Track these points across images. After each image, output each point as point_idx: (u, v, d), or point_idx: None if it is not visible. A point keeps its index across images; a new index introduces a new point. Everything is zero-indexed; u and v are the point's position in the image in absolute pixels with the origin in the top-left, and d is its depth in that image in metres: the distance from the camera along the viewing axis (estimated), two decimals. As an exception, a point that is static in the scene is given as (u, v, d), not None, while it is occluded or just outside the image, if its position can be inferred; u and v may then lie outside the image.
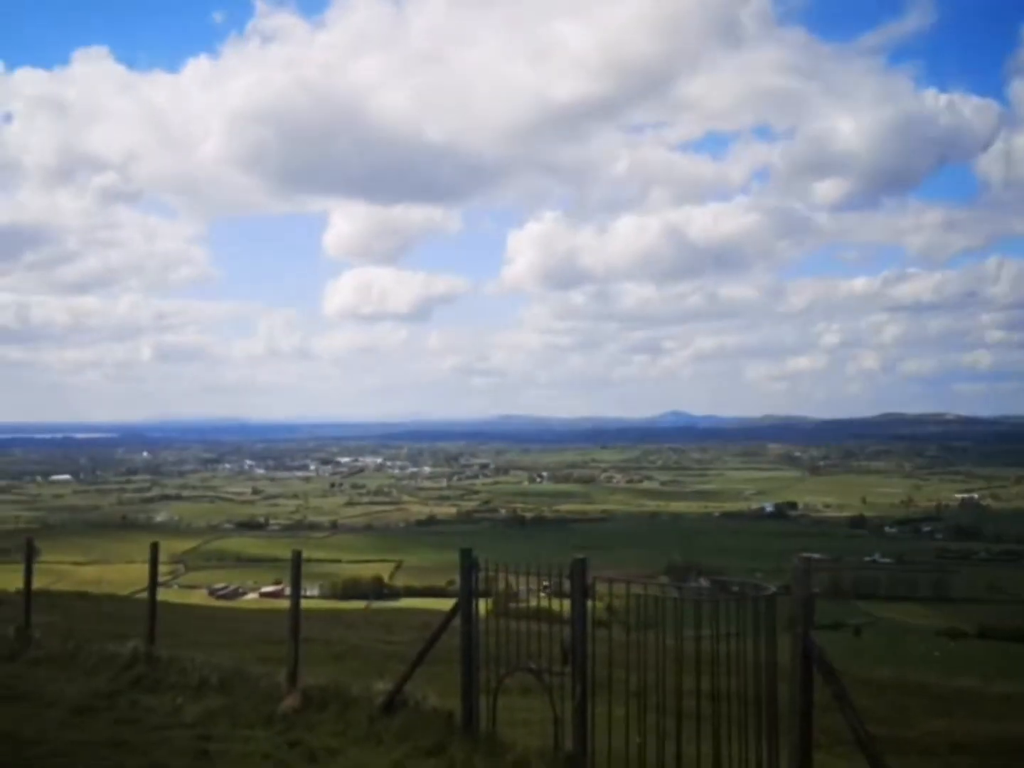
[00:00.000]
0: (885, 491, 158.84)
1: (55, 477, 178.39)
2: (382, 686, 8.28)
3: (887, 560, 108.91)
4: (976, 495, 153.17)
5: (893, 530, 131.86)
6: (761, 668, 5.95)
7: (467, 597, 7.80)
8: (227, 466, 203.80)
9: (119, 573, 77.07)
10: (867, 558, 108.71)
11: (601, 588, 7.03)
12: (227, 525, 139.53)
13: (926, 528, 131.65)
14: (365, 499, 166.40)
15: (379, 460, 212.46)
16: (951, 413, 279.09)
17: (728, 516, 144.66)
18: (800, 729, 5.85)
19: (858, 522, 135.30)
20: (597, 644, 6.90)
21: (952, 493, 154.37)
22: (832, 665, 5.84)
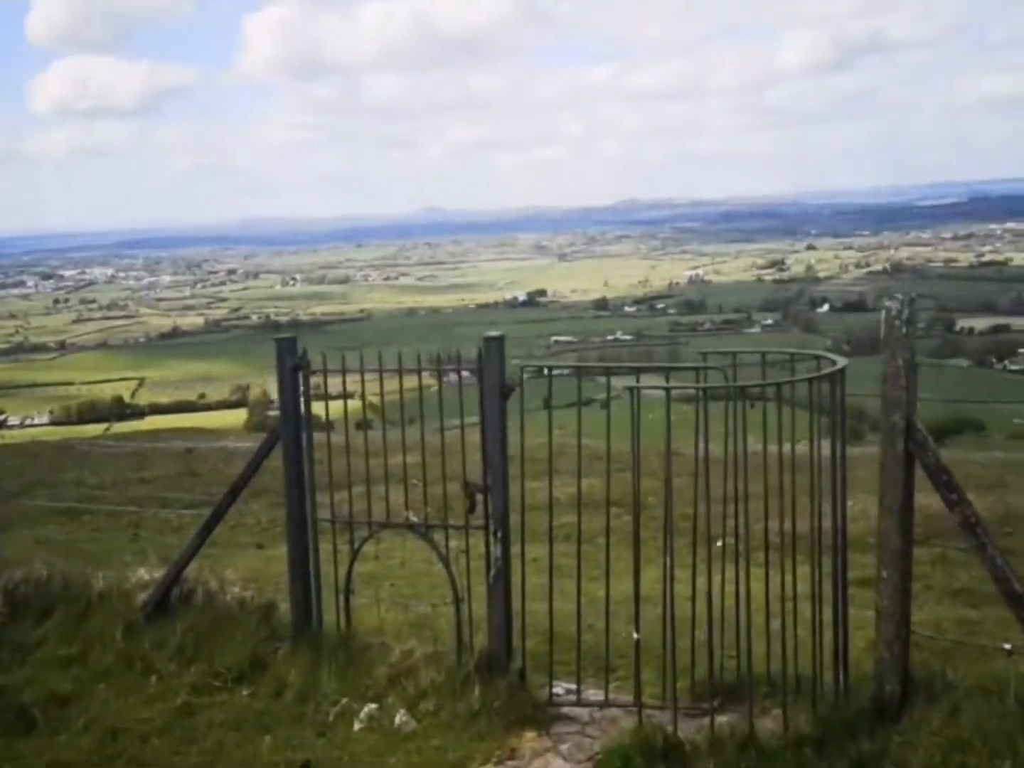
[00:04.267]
0: (625, 273, 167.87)
1: None
2: (146, 574, 5.35)
3: (628, 336, 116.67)
4: (701, 271, 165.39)
5: (632, 309, 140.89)
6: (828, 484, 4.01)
7: (293, 416, 4.91)
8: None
9: None
10: (610, 336, 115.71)
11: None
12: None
13: (660, 305, 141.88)
14: (97, 315, 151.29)
15: (110, 272, 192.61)
16: (682, 197, 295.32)
17: (483, 307, 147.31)
18: (900, 574, 3.79)
19: (601, 304, 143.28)
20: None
21: (682, 271, 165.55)
22: (952, 473, 3.70)
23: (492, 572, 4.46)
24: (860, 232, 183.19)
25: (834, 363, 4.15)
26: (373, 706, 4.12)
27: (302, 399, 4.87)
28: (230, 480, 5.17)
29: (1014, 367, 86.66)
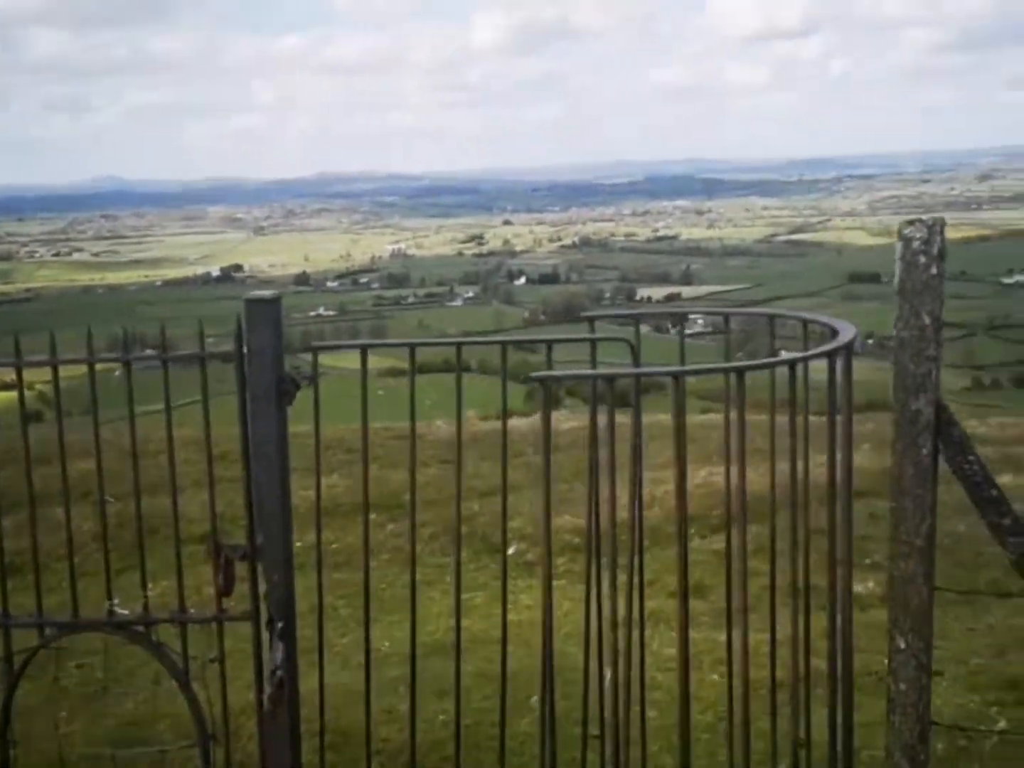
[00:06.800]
0: (326, 247, 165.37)
1: None
2: None
3: (331, 312, 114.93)
4: (403, 245, 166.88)
5: (335, 284, 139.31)
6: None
7: None
8: None
9: None
10: (312, 312, 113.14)
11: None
12: None
13: (363, 279, 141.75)
14: None
15: None
16: (382, 170, 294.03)
17: (172, 283, 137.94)
18: (924, 644, 2.65)
19: (302, 279, 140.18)
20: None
21: (384, 245, 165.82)
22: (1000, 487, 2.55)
23: (268, 691, 2.70)
24: (551, 208, 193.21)
25: (830, 331, 2.86)
26: None
27: None
28: None
29: (687, 332, 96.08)
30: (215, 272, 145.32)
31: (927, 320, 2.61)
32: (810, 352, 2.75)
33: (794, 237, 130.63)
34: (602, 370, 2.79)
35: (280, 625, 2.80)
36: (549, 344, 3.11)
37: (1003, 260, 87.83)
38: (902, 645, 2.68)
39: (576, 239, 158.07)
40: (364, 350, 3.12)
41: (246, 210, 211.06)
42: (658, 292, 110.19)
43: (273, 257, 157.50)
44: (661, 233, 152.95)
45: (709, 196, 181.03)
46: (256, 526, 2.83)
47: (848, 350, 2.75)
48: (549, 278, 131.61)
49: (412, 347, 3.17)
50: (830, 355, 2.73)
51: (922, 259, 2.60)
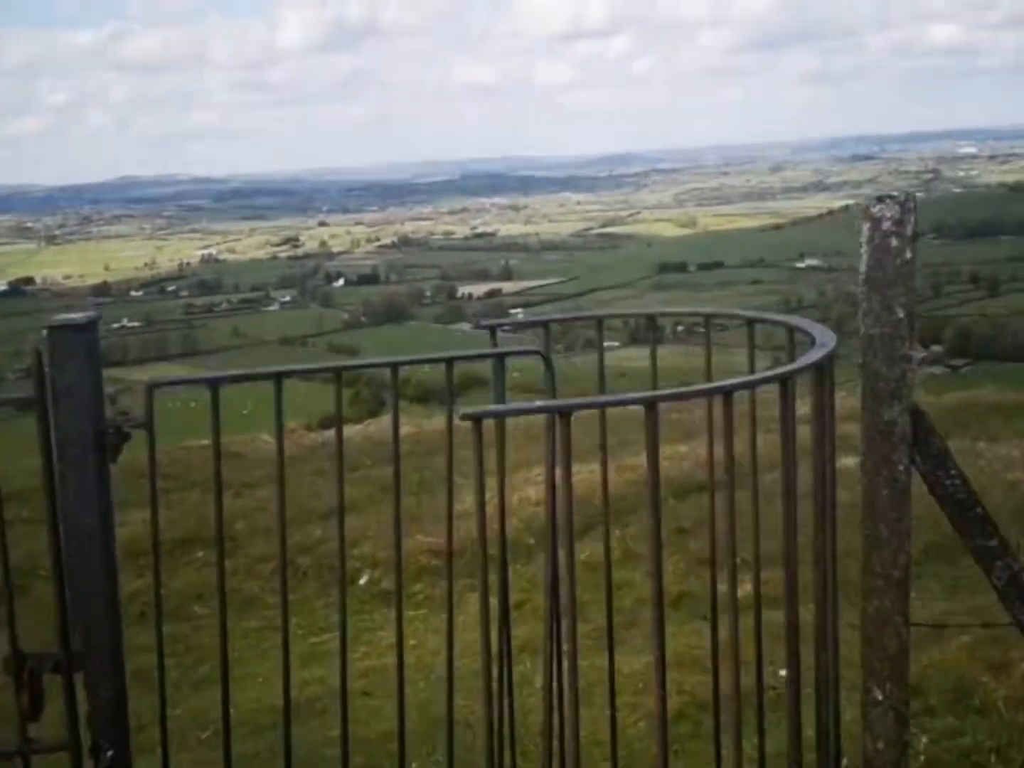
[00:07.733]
0: (128, 255, 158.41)
1: None
2: None
3: (136, 323, 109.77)
4: (215, 250, 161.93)
5: (139, 293, 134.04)
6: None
7: None
8: None
9: None
10: (115, 324, 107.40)
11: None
12: None
13: (171, 288, 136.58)
14: None
15: None
16: (185, 173, 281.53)
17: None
18: (901, 693, 2.30)
19: (103, 289, 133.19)
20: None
21: (193, 251, 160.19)
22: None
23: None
24: (368, 208, 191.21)
25: (804, 335, 2.56)
26: None
27: None
28: None
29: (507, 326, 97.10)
30: (3, 286, 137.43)
31: (901, 314, 2.31)
32: (799, 364, 2.38)
33: (606, 230, 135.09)
34: (558, 401, 2.44)
35: (109, 754, 2.31)
36: (449, 362, 2.83)
37: (795, 246, 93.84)
38: (879, 696, 2.33)
39: (395, 239, 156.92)
40: (215, 388, 2.65)
41: (35, 218, 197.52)
42: (478, 289, 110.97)
43: (69, 268, 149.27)
44: (479, 230, 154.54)
45: (525, 193, 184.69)
46: (72, 626, 2.26)
47: (830, 359, 2.51)
48: (369, 279, 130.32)
49: (279, 376, 2.69)
50: (820, 366, 2.44)
51: (894, 242, 2.31)
